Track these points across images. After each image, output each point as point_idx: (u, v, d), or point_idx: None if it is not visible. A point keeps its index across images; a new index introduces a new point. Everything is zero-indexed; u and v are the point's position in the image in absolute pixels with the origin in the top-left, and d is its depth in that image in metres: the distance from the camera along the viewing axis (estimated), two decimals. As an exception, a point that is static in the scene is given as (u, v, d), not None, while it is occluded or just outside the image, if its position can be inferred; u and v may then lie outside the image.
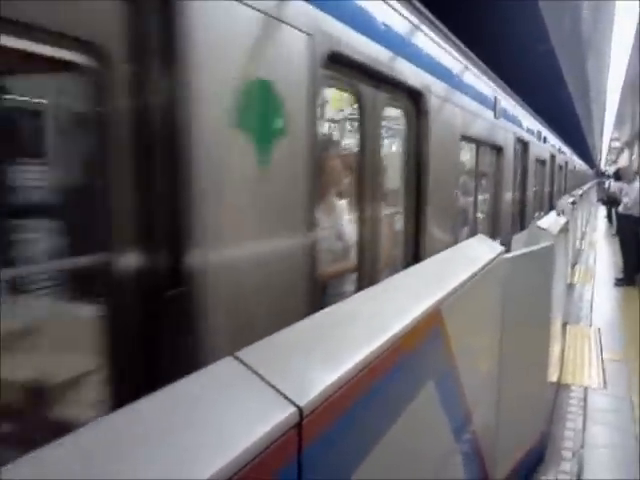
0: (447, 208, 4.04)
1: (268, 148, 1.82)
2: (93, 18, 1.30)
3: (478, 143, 5.31)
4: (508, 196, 6.81)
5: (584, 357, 6.46)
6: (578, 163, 24.10)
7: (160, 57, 1.42)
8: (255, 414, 1.09)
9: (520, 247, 3.83)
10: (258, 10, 1.76)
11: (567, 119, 18.05)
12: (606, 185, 21.59)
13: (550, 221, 5.22)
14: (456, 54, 4.31)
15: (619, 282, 10.57)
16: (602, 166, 48.14)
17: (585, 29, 8.62)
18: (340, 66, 2.41)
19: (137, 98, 1.38)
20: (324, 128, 2.28)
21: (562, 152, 15.11)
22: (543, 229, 4.41)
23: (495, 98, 5.89)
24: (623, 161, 30.16)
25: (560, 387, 5.46)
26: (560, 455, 4.26)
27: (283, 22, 1.90)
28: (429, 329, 1.95)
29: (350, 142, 2.87)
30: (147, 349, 1.39)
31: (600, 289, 10.25)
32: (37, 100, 1.49)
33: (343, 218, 3.01)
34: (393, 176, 3.37)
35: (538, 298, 3.84)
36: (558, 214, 6.53)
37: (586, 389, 5.51)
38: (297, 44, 1.99)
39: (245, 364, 1.18)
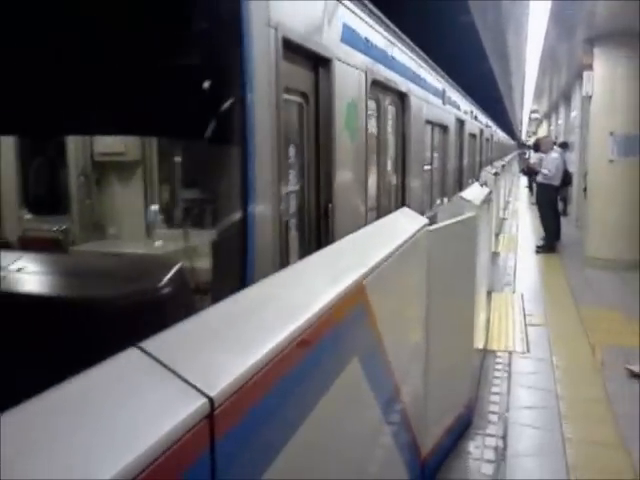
0: (419, 171, 5.69)
1: (354, 136, 3.28)
2: (305, 81, 2.73)
3: (433, 125, 6.82)
4: (451, 164, 8.40)
5: (508, 323, 6.71)
6: (502, 135, 25.58)
7: (325, 96, 2.86)
8: (162, 407, 1.01)
9: (445, 218, 3.88)
10: (348, 64, 3.16)
11: (490, 92, 18.49)
12: (526, 156, 22.40)
13: (473, 192, 5.34)
14: (422, 63, 5.92)
15: (540, 249, 11.01)
16: (523, 137, 49.73)
17: (504, 1, 8.80)
18: (374, 85, 3.81)
19: (316, 115, 2.85)
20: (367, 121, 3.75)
21: (488, 126, 15.86)
22: (467, 200, 4.49)
23: (443, 90, 7.45)
24: (542, 132, 31.30)
25: (486, 353, 5.65)
26: (487, 418, 4.41)
27: (357, 68, 3.36)
28: (352, 306, 1.92)
29: (373, 127, 4.24)
30: (321, 225, 2.87)
31: (523, 257, 10.66)
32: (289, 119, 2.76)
33: (373, 172, 4.40)
34: (392, 149, 4.90)
35: (463, 268, 3.92)
36: (481, 185, 6.70)
37: (511, 354, 5.73)
38: (361, 78, 3.45)
39: (149, 354, 1.10)
